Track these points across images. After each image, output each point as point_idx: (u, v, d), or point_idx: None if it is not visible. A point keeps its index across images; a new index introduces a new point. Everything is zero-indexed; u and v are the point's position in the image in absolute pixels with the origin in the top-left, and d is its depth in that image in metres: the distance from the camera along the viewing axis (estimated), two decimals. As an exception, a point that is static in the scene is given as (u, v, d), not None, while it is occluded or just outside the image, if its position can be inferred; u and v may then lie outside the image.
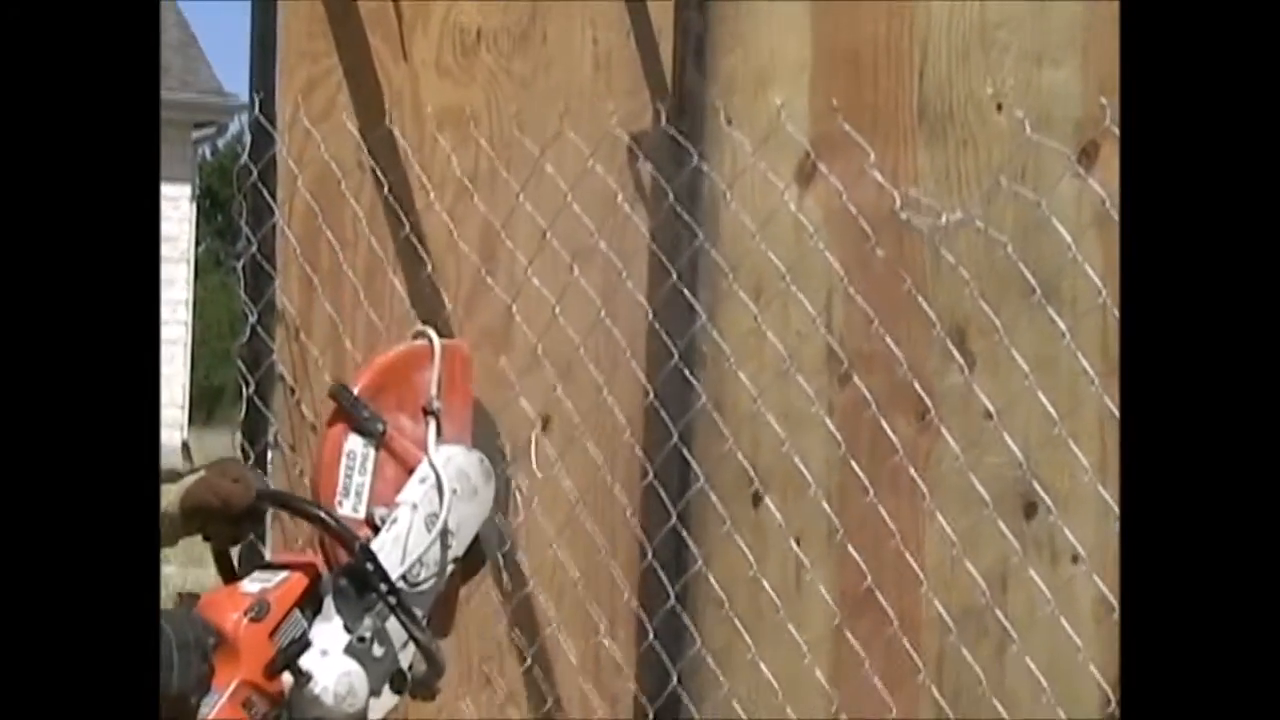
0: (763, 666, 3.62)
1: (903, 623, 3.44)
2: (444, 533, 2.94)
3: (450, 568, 2.98)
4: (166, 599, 2.89)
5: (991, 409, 3.33)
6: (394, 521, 2.93)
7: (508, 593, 3.94)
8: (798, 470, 3.60)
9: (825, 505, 3.56)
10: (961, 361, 3.38)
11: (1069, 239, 3.23)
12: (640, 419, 3.78)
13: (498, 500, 3.07)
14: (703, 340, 3.67)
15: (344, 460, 2.95)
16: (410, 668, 2.90)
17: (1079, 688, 3.17)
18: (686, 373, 3.66)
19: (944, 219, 3.44)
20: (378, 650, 2.85)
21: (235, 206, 4.30)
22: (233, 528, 3.00)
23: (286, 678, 2.78)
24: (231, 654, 2.76)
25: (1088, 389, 3.19)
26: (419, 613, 2.90)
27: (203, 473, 2.98)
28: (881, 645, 3.49)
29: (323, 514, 2.90)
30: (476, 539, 3.02)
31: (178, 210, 20.04)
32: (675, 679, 3.70)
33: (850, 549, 3.52)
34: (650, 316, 3.73)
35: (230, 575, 2.98)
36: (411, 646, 2.88)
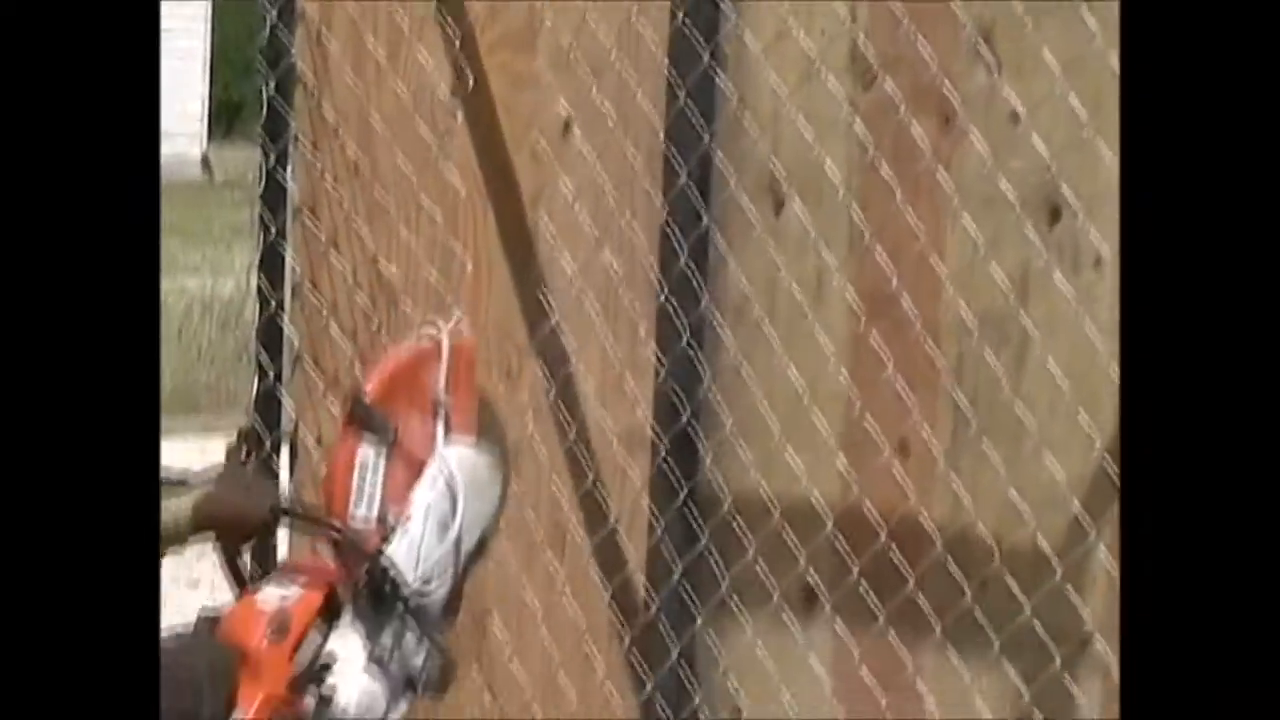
0: (788, 368, 3.63)
1: (925, 326, 3.44)
2: (456, 535, 2.96)
3: (461, 565, 2.99)
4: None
5: (1018, 110, 3.29)
6: (407, 529, 2.93)
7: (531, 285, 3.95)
8: (822, 174, 3.58)
9: (849, 209, 3.54)
10: (989, 61, 3.33)
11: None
12: (667, 122, 3.76)
13: (502, 496, 3.10)
14: (729, 42, 3.63)
15: (357, 469, 2.96)
16: (424, 668, 2.92)
17: (1099, 391, 3.16)
18: (714, 74, 3.63)
19: (973, -83, 3.37)
20: (396, 661, 2.88)
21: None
22: (244, 538, 3.00)
23: (309, 695, 2.82)
24: (254, 674, 2.79)
25: (1115, 91, 3.14)
26: (433, 615, 2.92)
27: (214, 481, 2.96)
28: (902, 349, 3.48)
29: (339, 532, 2.91)
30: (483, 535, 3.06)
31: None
32: (705, 381, 3.72)
33: (873, 252, 3.51)
34: (679, 20, 3.68)
35: (240, 582, 2.98)
36: (425, 648, 2.90)
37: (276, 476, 4.01)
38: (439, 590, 2.93)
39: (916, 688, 3.49)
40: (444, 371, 3.02)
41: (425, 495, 2.96)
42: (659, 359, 3.80)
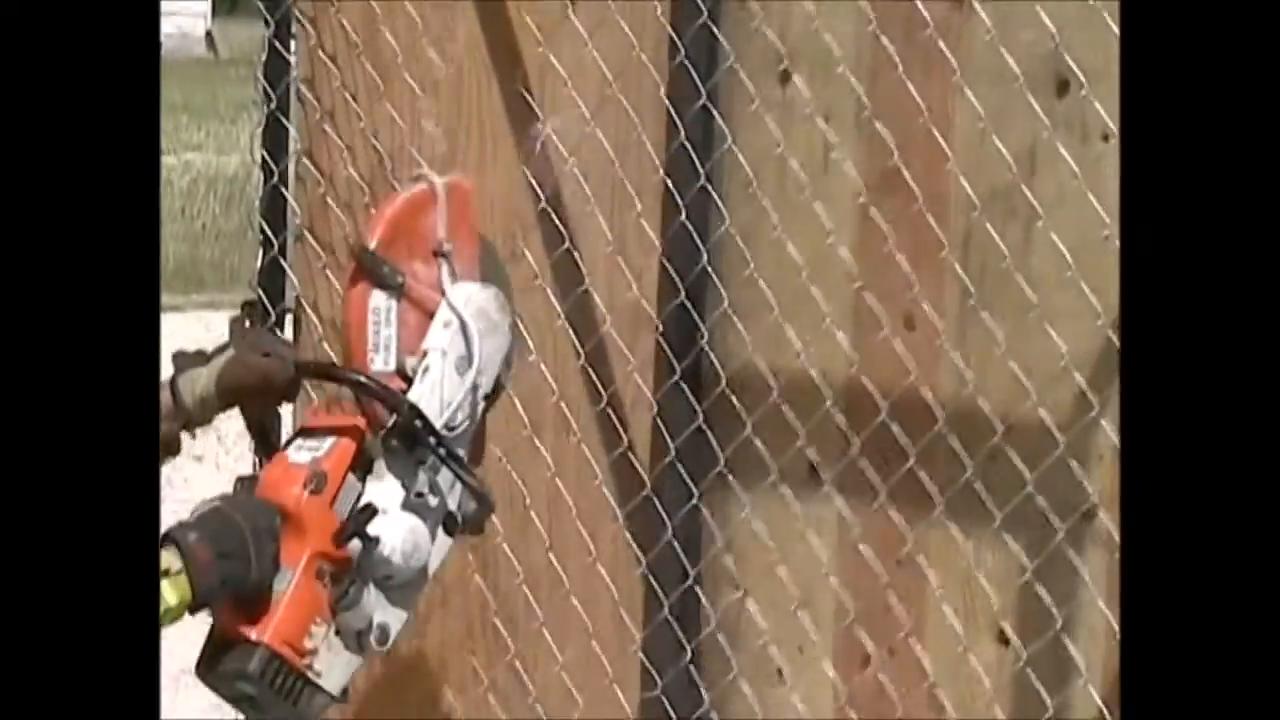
0: (788, 245, 3.60)
1: (929, 201, 3.41)
2: (476, 373, 2.95)
3: (481, 404, 2.98)
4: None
5: (1026, -18, 3.25)
6: (426, 371, 2.92)
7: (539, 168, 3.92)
8: (827, 47, 3.54)
9: (854, 82, 3.51)
10: (996, -67, 3.29)
11: None
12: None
13: (513, 329, 3.08)
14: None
15: (370, 318, 2.94)
16: (460, 507, 2.92)
17: (1105, 265, 3.14)
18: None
19: None
20: (433, 501, 2.88)
21: None
22: (270, 403, 2.99)
23: (354, 543, 2.79)
24: (297, 529, 2.77)
25: (1124, -37, 3.10)
26: (461, 454, 2.91)
27: (232, 350, 2.94)
28: (907, 223, 3.46)
29: (363, 379, 2.89)
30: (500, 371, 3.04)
31: None
32: (704, 258, 3.71)
33: (878, 126, 3.47)
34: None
35: (269, 447, 2.97)
36: (458, 488, 2.90)
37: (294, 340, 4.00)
38: (464, 429, 2.94)
39: (918, 563, 3.49)
40: (442, 215, 3.02)
41: (440, 338, 2.95)
42: (659, 236, 3.78)
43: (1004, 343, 3.31)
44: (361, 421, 2.90)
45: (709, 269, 3.70)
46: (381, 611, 2.85)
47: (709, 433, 3.70)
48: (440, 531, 2.90)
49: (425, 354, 2.93)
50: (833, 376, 3.57)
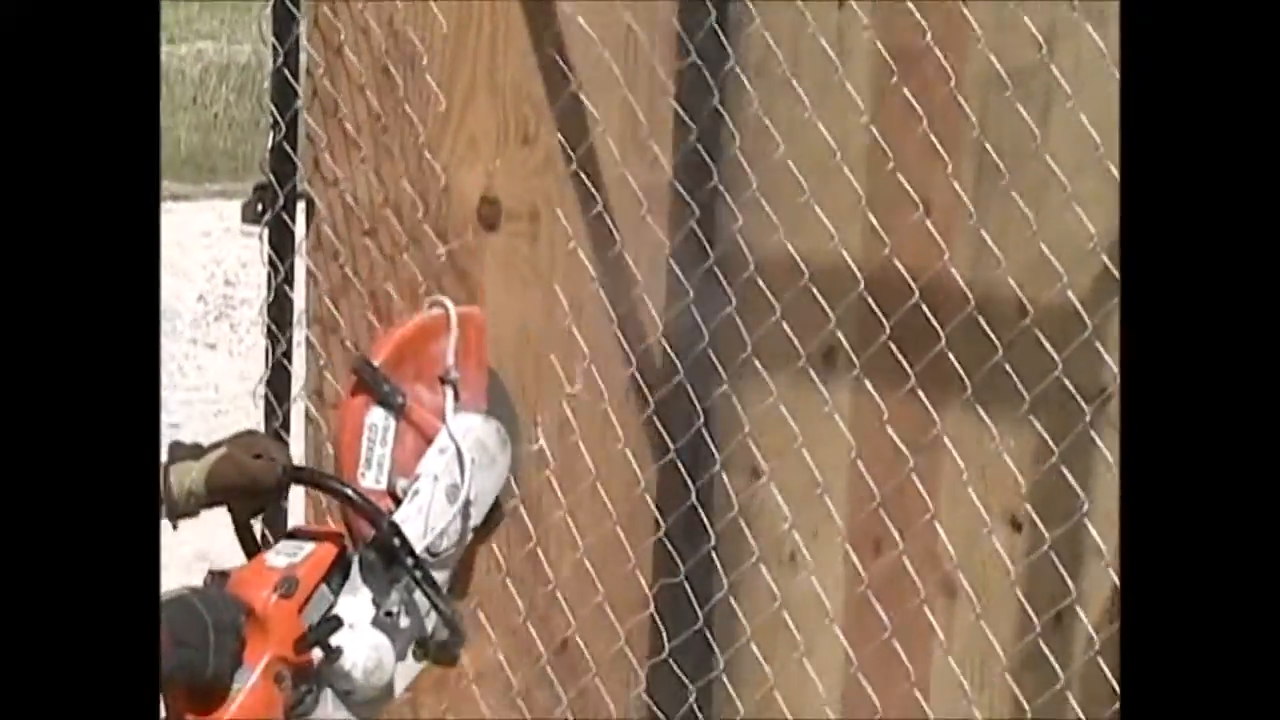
0: (812, 128, 3.54)
1: (949, 82, 3.34)
2: (465, 504, 2.90)
3: (470, 536, 2.94)
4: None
5: None
6: (416, 493, 2.87)
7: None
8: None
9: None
10: None
11: None
12: None
13: (513, 467, 3.04)
14: None
15: (365, 433, 2.91)
16: (432, 635, 2.86)
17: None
18: None
19: None
20: (404, 622, 2.83)
21: None
22: (258, 503, 2.93)
23: (316, 651, 2.75)
24: (261, 630, 2.73)
25: None
26: (441, 581, 2.87)
27: (225, 449, 2.89)
28: (929, 103, 3.39)
29: (349, 491, 2.85)
30: (494, 504, 2.99)
31: None
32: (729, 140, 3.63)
33: (901, 5, 3.38)
34: None
35: (253, 547, 2.92)
36: (434, 615, 2.85)
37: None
38: (447, 553, 2.90)
39: (935, 447, 3.44)
40: (453, 343, 2.98)
41: (434, 464, 2.92)
42: (681, 118, 3.71)
43: (1027, 223, 3.24)
44: (343, 533, 2.87)
45: (740, 154, 3.65)
46: None
47: (738, 319, 3.65)
48: (410, 655, 2.85)
49: (417, 477, 2.89)
50: (857, 259, 3.52)
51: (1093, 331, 3.11)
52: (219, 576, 2.81)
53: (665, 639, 3.82)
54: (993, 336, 3.26)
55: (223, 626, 2.69)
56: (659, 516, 3.83)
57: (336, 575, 2.83)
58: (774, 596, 3.68)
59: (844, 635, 3.63)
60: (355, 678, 2.78)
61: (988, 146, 3.33)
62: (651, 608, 3.86)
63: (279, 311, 4.02)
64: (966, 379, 3.33)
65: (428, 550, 2.86)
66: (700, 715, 3.86)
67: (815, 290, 3.54)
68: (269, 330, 4.05)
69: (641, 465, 3.88)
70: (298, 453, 3.97)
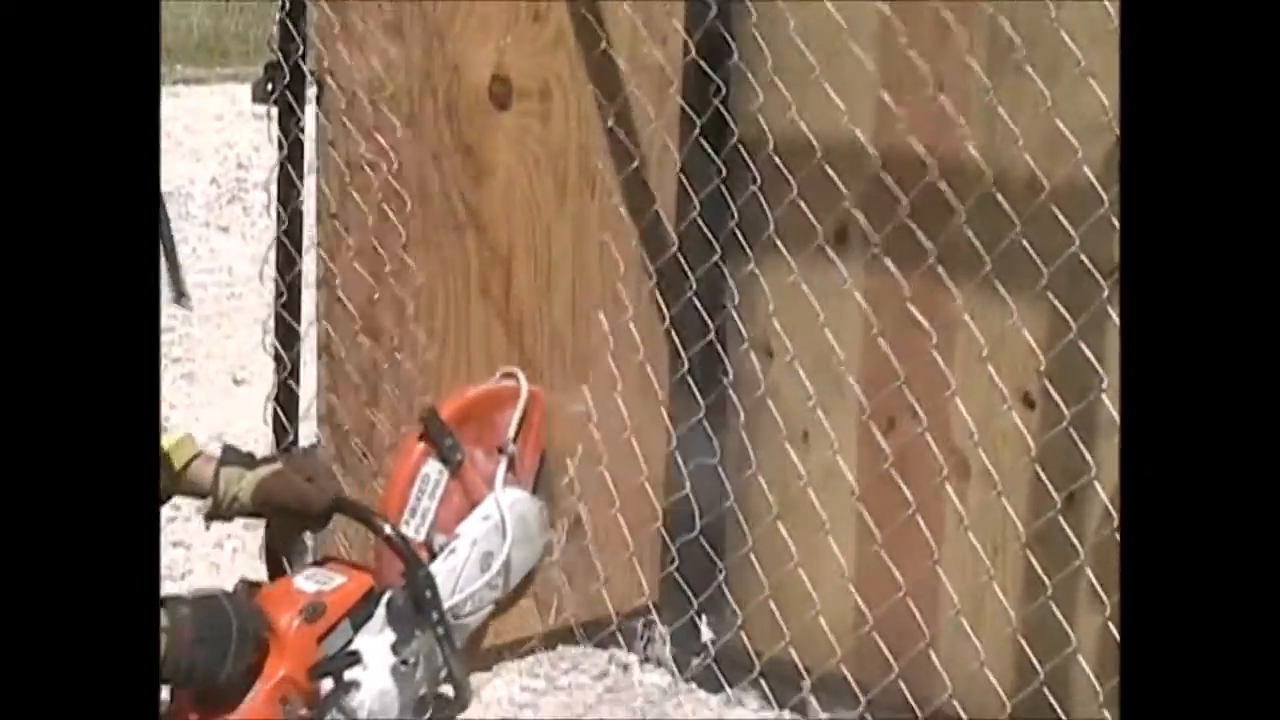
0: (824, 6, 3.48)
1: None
2: (496, 574, 2.90)
3: (492, 607, 2.93)
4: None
5: None
6: (452, 552, 2.87)
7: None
8: None
9: None
10: None
11: None
12: None
13: (544, 551, 3.04)
14: None
15: (418, 482, 2.91)
16: (438, 694, 2.84)
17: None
18: None
19: None
20: (418, 674, 2.81)
21: None
22: (298, 526, 2.91)
23: (327, 682, 2.74)
24: (279, 650, 2.72)
25: None
26: (459, 643, 2.86)
27: (279, 465, 2.88)
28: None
29: (390, 531, 2.83)
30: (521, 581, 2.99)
31: None
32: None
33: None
34: None
35: (279, 570, 2.89)
36: (442, 674, 2.83)
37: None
38: (469, 618, 2.90)
39: (958, 322, 3.40)
40: (517, 418, 3.02)
41: (475, 528, 2.93)
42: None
43: (1039, 100, 3.18)
44: (374, 574, 2.86)
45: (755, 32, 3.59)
46: None
47: (761, 197, 3.59)
48: (412, 712, 2.83)
49: (457, 537, 2.90)
50: (871, 137, 3.46)
51: (1108, 207, 3.05)
52: (250, 586, 2.81)
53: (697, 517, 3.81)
54: (1011, 213, 3.20)
55: (245, 635, 2.67)
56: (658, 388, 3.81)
57: (361, 612, 2.82)
58: (798, 475, 3.66)
59: (857, 506, 3.60)
60: (359, 718, 2.77)
61: (1002, 22, 3.26)
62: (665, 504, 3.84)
63: (286, 193, 3.96)
64: (985, 255, 3.28)
65: (451, 611, 2.86)
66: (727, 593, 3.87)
67: (830, 169, 3.49)
68: (277, 212, 3.99)
69: (651, 341, 3.87)
70: (308, 313, 3.94)
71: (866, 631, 3.53)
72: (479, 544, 2.92)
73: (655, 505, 3.88)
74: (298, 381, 3.92)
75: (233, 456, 2.89)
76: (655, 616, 3.99)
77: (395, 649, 2.81)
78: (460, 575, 2.90)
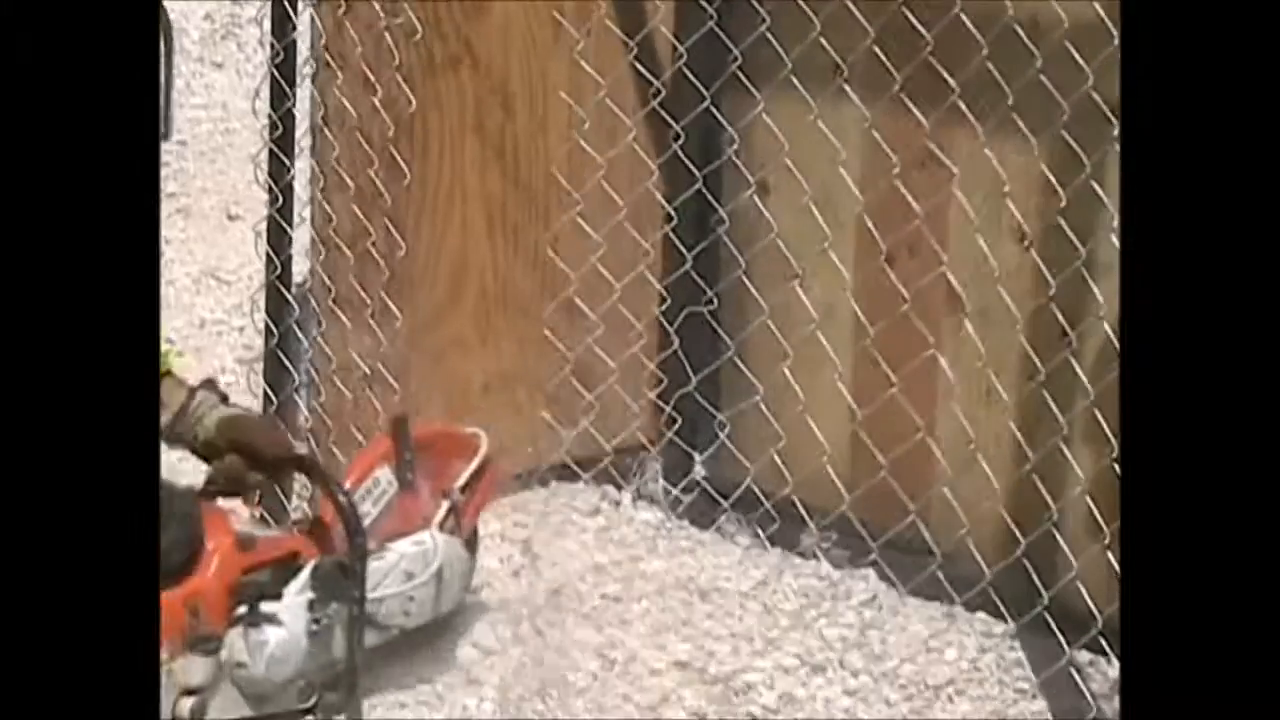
0: None
1: None
2: (412, 594, 2.99)
3: (394, 632, 3.00)
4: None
5: None
6: (380, 559, 2.94)
7: None
8: None
9: None
10: None
11: None
12: None
13: (459, 601, 3.13)
14: None
15: (370, 479, 3.02)
16: (329, 685, 2.86)
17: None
18: None
19: None
20: (321, 645, 2.83)
21: None
22: (253, 467, 2.89)
23: (241, 609, 2.76)
24: (205, 563, 2.75)
25: None
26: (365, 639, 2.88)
27: (251, 411, 2.99)
28: None
29: (343, 493, 2.87)
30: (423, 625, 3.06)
31: None
32: None
33: None
34: None
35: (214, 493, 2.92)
36: (336, 669, 2.85)
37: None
38: (373, 627, 2.95)
39: (941, 161, 3.32)
40: (470, 471, 3.14)
41: (406, 548, 3.02)
42: None
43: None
44: (308, 545, 2.91)
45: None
46: (211, 693, 2.74)
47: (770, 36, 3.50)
48: (297, 693, 2.84)
49: (386, 549, 2.98)
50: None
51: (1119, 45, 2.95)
52: (198, 496, 2.83)
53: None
54: (1033, 47, 3.10)
55: (178, 514, 2.69)
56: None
57: (286, 567, 2.86)
58: (774, 307, 3.59)
59: (857, 345, 3.53)
60: (259, 654, 2.77)
61: None
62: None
63: (280, 27, 3.85)
64: (965, 90, 3.18)
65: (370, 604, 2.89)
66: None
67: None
68: (271, 46, 3.88)
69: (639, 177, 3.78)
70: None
71: (864, 468, 3.46)
72: (405, 561, 3.00)
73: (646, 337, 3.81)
74: (290, 218, 3.85)
75: (211, 387, 2.93)
76: (650, 451, 3.93)
77: (311, 607, 2.83)
78: (383, 578, 2.96)
